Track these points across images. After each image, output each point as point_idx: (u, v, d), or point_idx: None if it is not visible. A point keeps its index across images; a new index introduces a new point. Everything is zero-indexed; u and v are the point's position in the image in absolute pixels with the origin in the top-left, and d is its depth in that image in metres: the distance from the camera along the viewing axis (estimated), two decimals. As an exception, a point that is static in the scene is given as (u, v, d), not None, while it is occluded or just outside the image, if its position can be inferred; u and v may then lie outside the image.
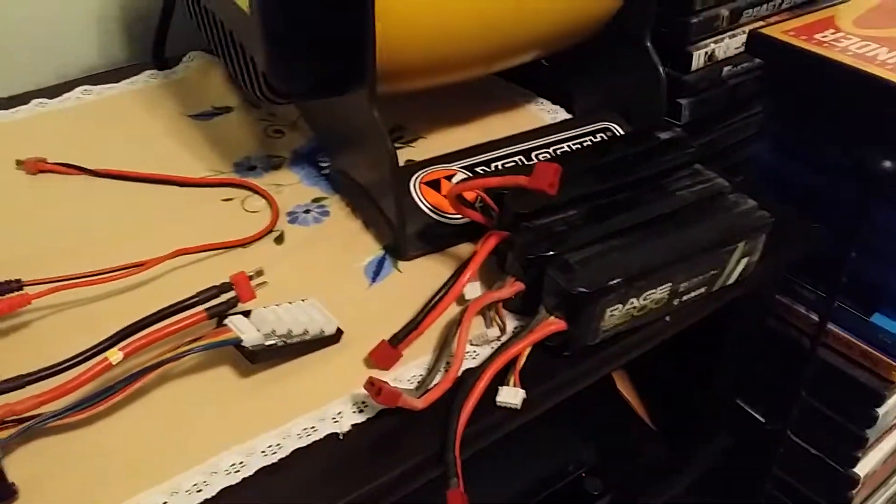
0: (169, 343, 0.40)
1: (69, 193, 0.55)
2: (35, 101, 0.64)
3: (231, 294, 0.42)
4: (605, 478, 0.56)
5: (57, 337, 0.43)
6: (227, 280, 0.43)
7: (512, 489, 0.55)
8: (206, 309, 0.41)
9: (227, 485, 0.36)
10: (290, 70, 0.48)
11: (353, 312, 0.45)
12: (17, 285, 0.42)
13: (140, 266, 0.45)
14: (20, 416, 0.36)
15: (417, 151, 0.59)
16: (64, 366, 0.37)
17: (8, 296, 0.41)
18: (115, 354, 0.38)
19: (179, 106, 0.64)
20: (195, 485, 0.36)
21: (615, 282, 0.42)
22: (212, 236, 0.50)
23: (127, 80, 0.67)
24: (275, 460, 0.38)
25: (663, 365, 0.58)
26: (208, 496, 0.36)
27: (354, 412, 0.40)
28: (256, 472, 0.37)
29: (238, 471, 0.37)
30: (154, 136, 0.61)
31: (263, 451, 0.38)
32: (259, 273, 0.44)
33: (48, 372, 0.37)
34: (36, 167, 0.56)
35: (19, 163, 0.56)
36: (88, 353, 0.38)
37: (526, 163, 0.55)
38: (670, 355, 0.52)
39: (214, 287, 0.42)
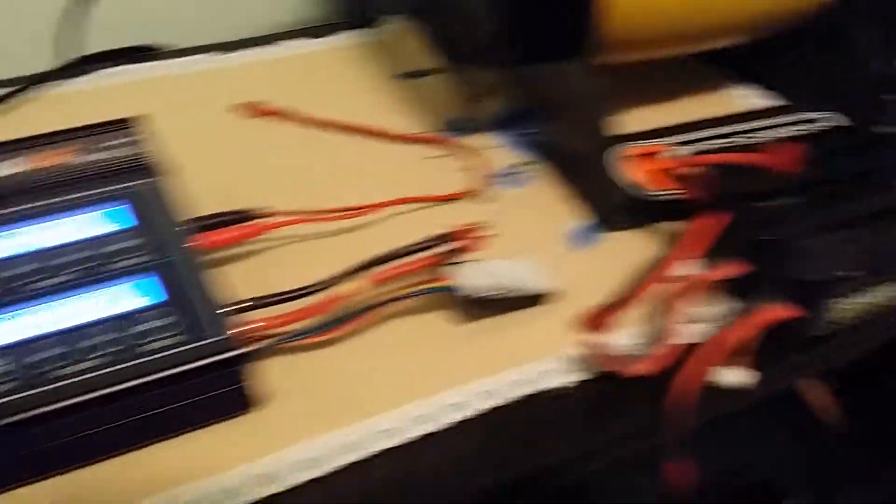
0: (392, 284, 0.41)
1: (284, 138, 0.57)
2: (246, 49, 0.66)
3: (454, 244, 0.43)
4: (798, 479, 0.54)
5: (286, 267, 0.44)
6: (449, 231, 0.43)
7: (703, 477, 0.54)
8: (435, 255, 0.41)
9: (451, 421, 0.37)
10: (515, 36, 0.49)
11: (557, 276, 0.45)
12: (249, 216, 0.43)
13: (363, 209, 0.46)
14: (265, 334, 0.37)
15: (616, 126, 0.58)
16: (309, 290, 0.39)
17: (240, 225, 0.43)
18: (355, 285, 0.39)
19: (381, 66, 0.66)
20: (420, 416, 0.37)
21: (849, 273, 0.40)
22: (417, 191, 0.51)
23: (331, 37, 0.69)
24: (493, 405, 0.38)
25: (869, 369, 0.56)
26: (433, 430, 0.37)
27: (566, 372, 0.40)
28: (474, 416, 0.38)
29: (458, 410, 0.38)
30: (358, 92, 0.63)
31: (482, 395, 0.38)
32: (478, 227, 0.44)
33: (297, 293, 0.39)
34: (253, 111, 0.58)
35: (237, 106, 0.59)
36: (331, 281, 0.39)
37: (744, 145, 0.53)
38: (881, 361, 0.50)
39: (441, 235, 0.42)
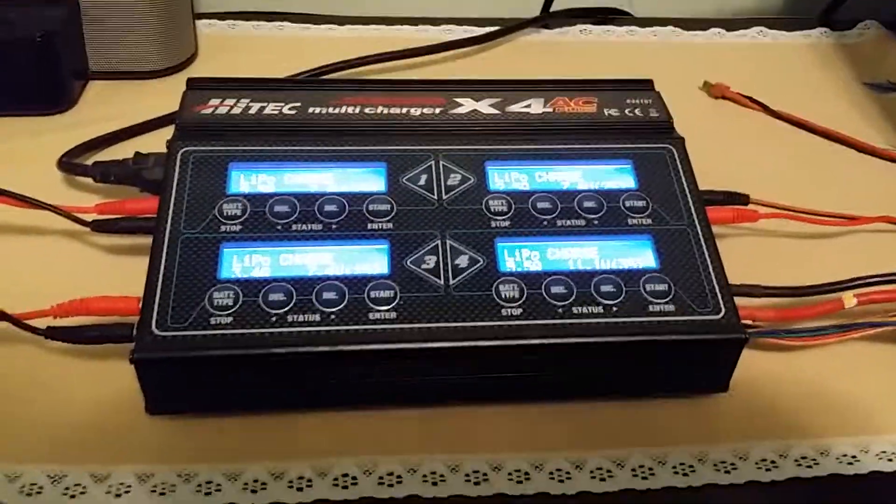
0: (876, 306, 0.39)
1: (746, 125, 0.56)
2: (713, 29, 0.66)
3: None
4: None
5: (766, 259, 0.44)
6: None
7: None
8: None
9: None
10: None
11: None
12: (746, 199, 0.43)
13: (853, 220, 0.45)
14: (754, 323, 0.37)
15: None
16: (807, 291, 0.38)
17: (738, 207, 0.43)
18: (850, 299, 0.38)
19: (852, 70, 0.62)
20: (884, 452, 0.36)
21: None
22: (885, 210, 0.47)
23: (800, 32, 0.66)
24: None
25: None
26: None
27: None
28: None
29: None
30: (825, 92, 0.60)
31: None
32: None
33: (797, 291, 0.38)
34: (720, 92, 0.58)
35: (706, 84, 0.58)
36: (824, 287, 0.38)
37: None
38: None
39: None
